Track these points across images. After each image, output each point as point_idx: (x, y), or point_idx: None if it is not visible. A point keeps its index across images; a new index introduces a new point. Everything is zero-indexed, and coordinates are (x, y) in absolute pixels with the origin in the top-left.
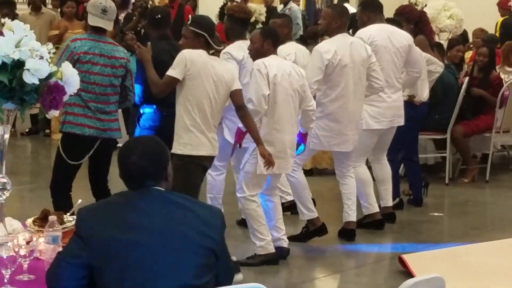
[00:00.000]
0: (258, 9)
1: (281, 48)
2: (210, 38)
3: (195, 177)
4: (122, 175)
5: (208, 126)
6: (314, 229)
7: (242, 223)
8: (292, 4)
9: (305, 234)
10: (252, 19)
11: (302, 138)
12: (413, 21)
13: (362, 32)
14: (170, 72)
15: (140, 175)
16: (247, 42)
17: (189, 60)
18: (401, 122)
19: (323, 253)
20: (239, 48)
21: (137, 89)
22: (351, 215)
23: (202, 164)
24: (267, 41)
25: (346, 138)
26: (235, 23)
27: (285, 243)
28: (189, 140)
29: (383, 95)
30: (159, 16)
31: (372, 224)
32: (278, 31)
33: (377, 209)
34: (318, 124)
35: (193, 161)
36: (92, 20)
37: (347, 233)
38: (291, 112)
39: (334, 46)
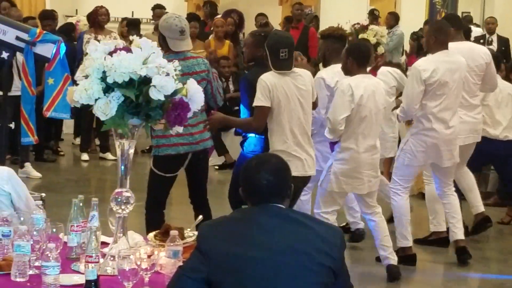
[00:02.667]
0: (380, 31)
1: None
2: (271, 58)
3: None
4: (245, 191)
5: (300, 146)
6: (402, 256)
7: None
8: (398, 28)
9: None
10: (374, 41)
11: None
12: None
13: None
14: (257, 103)
15: (268, 191)
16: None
17: (270, 85)
18: (477, 138)
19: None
20: (334, 73)
21: (244, 114)
22: (458, 234)
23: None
24: (350, 58)
25: (444, 154)
26: (333, 43)
27: (393, 261)
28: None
29: (461, 112)
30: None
31: (437, 241)
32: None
33: (444, 229)
34: (414, 141)
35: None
36: (173, 45)
37: (459, 251)
38: (373, 132)
39: (432, 65)
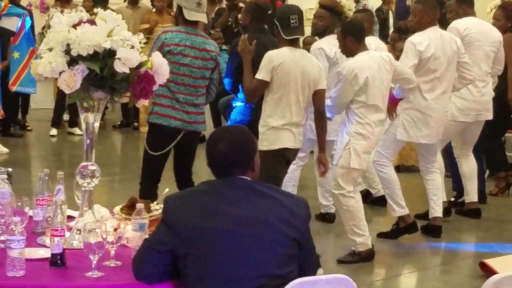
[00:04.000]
0: (348, 5)
1: None
2: (281, 27)
3: (277, 169)
4: (209, 163)
5: (292, 123)
6: (404, 226)
7: (321, 218)
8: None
9: (395, 231)
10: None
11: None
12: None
13: (458, 23)
14: (259, 75)
15: (226, 163)
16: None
17: (276, 61)
18: (489, 116)
19: (409, 250)
20: (332, 44)
21: (226, 82)
22: (438, 211)
23: (285, 156)
24: (348, 38)
25: (433, 131)
26: (333, 15)
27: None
28: (272, 135)
29: (473, 88)
30: (262, 9)
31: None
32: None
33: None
34: (406, 116)
35: (276, 154)
36: (189, 15)
37: (433, 229)
38: (383, 105)
39: (427, 39)
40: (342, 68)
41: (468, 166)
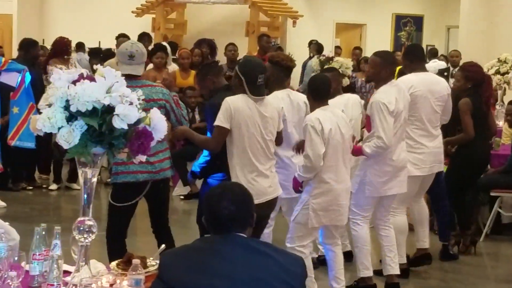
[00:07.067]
0: (345, 63)
1: (332, 102)
2: (246, 83)
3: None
4: (209, 220)
5: (261, 173)
6: (363, 286)
7: None
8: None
9: None
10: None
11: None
12: (472, 82)
13: (404, 80)
14: (218, 122)
15: (229, 220)
16: (287, 92)
17: (233, 108)
18: (441, 168)
19: None
20: (278, 98)
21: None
22: (395, 268)
23: (259, 213)
24: (310, 95)
25: (399, 180)
26: (279, 71)
27: None
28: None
29: (425, 142)
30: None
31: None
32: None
33: (404, 261)
34: (372, 171)
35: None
36: (121, 68)
37: (393, 287)
38: (343, 162)
39: (393, 96)
40: (308, 120)
41: (420, 212)
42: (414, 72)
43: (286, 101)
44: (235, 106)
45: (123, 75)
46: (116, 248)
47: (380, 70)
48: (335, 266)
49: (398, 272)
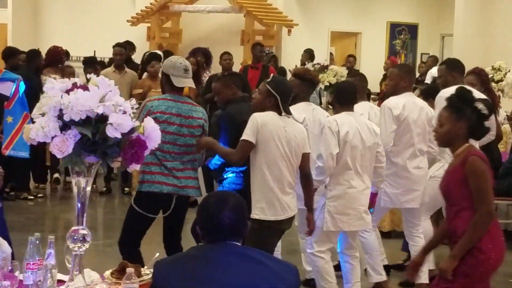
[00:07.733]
0: (340, 71)
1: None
2: (281, 102)
3: (270, 242)
4: (205, 229)
5: (283, 190)
6: None
7: (307, 284)
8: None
9: None
10: (334, 81)
11: (372, 198)
12: (485, 86)
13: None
14: (244, 137)
15: (230, 229)
16: (310, 105)
17: (260, 124)
18: None
19: None
20: (301, 110)
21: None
22: (422, 277)
23: (280, 228)
24: (335, 101)
25: (416, 194)
26: (309, 86)
27: None
28: (266, 205)
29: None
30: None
31: None
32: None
33: (432, 267)
34: (387, 182)
35: (271, 226)
36: (177, 82)
37: None
38: (361, 167)
39: (402, 102)
40: (326, 121)
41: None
42: (457, 84)
43: (308, 111)
44: (262, 121)
45: (178, 88)
46: (133, 255)
47: (399, 81)
48: (352, 278)
49: (427, 281)
